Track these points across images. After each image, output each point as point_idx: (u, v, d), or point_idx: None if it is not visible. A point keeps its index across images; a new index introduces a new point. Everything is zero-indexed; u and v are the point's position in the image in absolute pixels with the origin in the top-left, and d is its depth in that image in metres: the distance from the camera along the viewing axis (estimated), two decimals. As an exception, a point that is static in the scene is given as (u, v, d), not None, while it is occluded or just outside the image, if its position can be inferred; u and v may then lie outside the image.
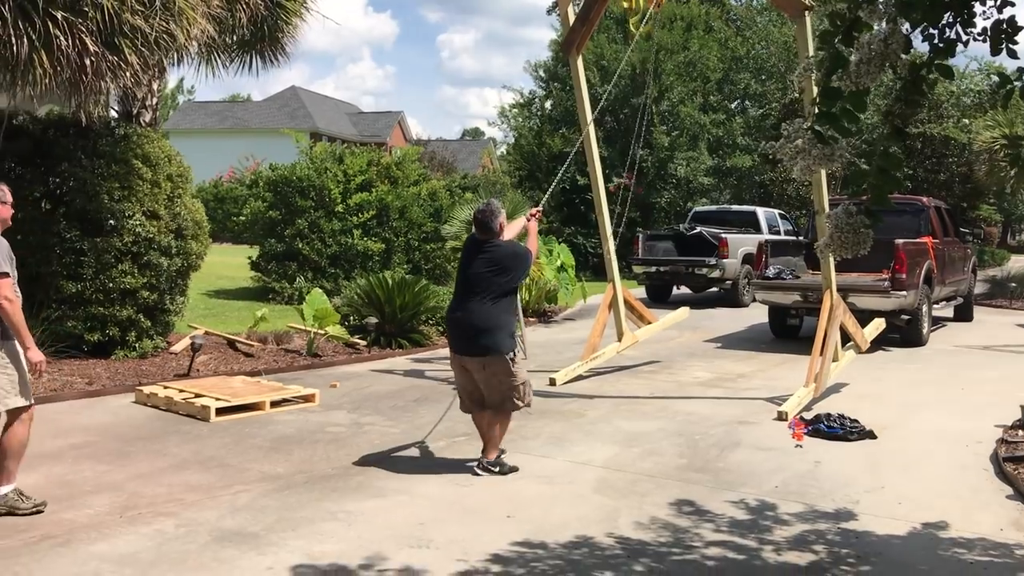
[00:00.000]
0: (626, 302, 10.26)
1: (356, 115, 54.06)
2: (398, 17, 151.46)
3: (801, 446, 6.93)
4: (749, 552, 4.74)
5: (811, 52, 7.70)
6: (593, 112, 9.22)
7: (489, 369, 5.97)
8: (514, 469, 6.07)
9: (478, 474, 5.98)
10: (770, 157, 25.05)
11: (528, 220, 7.17)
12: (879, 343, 12.35)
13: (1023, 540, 4.93)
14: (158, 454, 6.42)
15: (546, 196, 12.34)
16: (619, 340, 10.24)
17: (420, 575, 4.34)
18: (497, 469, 6.02)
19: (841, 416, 7.45)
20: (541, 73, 28.52)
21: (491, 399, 6.07)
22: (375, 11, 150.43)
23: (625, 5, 9.03)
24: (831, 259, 8.55)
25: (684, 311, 11.61)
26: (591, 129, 9.39)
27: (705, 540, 4.89)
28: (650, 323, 10.72)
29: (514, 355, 6.00)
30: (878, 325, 10.70)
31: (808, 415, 7.65)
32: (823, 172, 7.48)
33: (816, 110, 2.92)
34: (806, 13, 7.72)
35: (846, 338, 9.59)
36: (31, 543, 4.65)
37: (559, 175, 11.09)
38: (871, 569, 4.53)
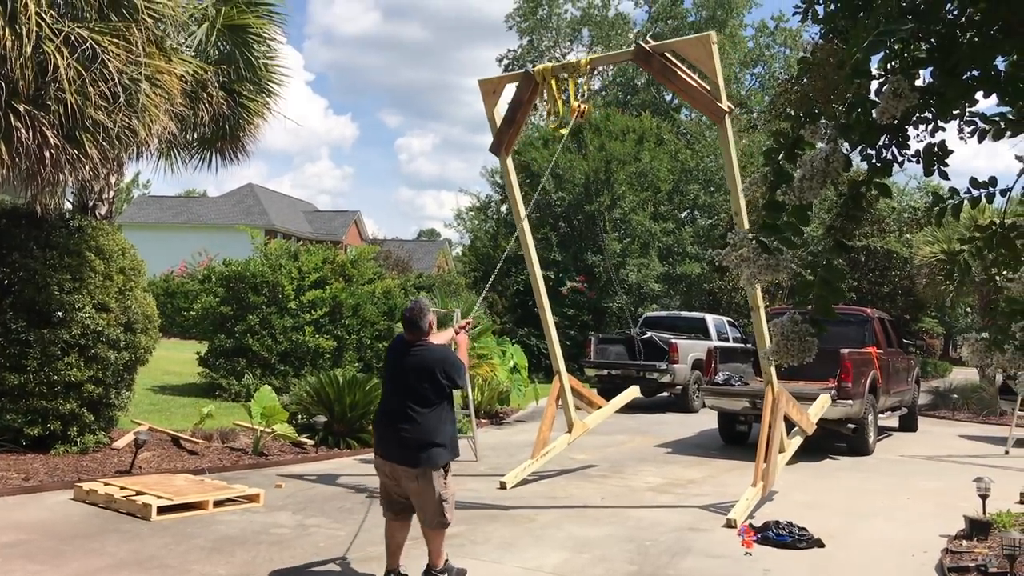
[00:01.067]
0: (574, 391, 10.37)
1: (312, 213, 54.33)
2: (358, 120, 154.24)
3: (750, 554, 6.92)
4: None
5: (732, 151, 8.16)
6: (527, 208, 9.64)
7: (422, 482, 5.58)
8: (462, 572, 5.90)
9: None
10: (717, 265, 25.67)
11: (457, 332, 6.89)
12: (826, 451, 12.49)
13: (969, 651, 4.94)
14: (95, 553, 6.21)
15: (484, 291, 12.48)
16: (569, 431, 10.27)
17: None
18: None
19: (790, 524, 7.48)
20: (497, 178, 29.10)
21: (423, 514, 5.68)
22: (335, 113, 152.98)
23: (546, 110, 9.18)
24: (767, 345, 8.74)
25: (633, 390, 11.78)
26: (525, 224, 9.67)
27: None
28: (600, 407, 10.79)
29: (447, 469, 5.69)
30: (823, 403, 10.86)
31: (757, 523, 7.66)
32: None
33: (761, 222, 3.06)
34: (726, 116, 8.07)
35: (791, 425, 9.80)
36: (-45, 647, 4.45)
37: (491, 278, 11.27)
38: None
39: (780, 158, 3.08)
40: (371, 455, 8.14)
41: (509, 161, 9.54)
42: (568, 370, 22.53)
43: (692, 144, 30.04)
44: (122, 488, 7.74)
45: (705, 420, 15.37)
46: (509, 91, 9.33)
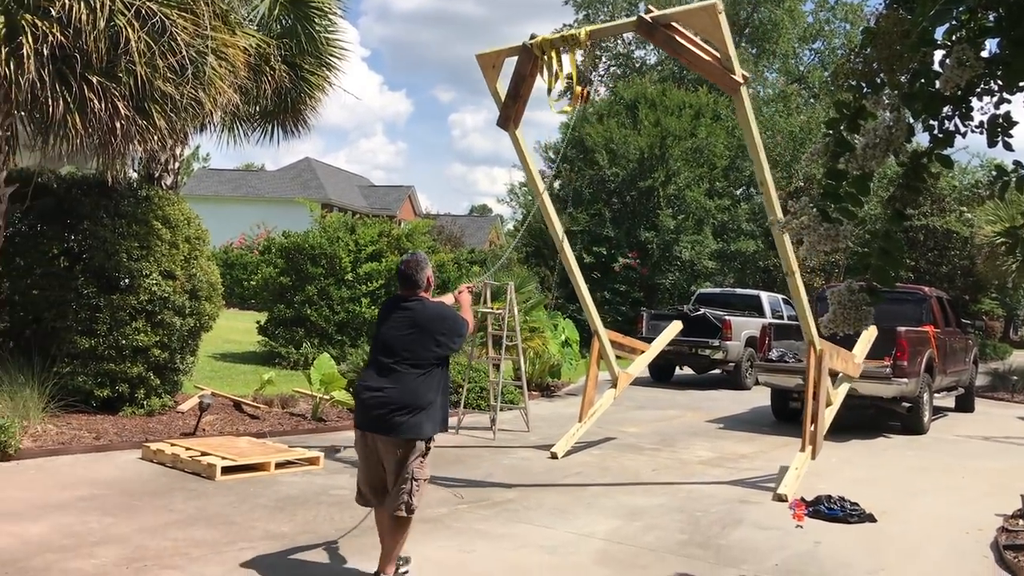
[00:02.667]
0: (614, 343, 10.39)
1: (367, 188, 54.80)
2: (412, 96, 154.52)
3: (802, 526, 6.96)
4: (749, 626, 4.76)
5: (752, 123, 7.81)
6: (544, 182, 9.56)
7: (402, 453, 4.96)
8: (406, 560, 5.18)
9: None
10: (773, 241, 25.39)
11: (458, 294, 6.26)
12: (880, 429, 12.40)
13: (1022, 625, 4.95)
14: (164, 509, 6.48)
15: (502, 259, 12.48)
16: (614, 387, 10.34)
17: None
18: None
19: (842, 499, 7.49)
20: (550, 154, 29.07)
21: (391, 492, 5.01)
22: (390, 89, 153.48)
23: (547, 84, 8.47)
24: (805, 308, 8.62)
25: (676, 325, 11.84)
26: (546, 196, 9.64)
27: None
28: (642, 352, 10.88)
29: (428, 447, 5.05)
30: (870, 336, 10.77)
31: (809, 497, 7.68)
32: (787, 236, 7.61)
33: (822, 190, 3.10)
34: (741, 87, 7.66)
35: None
36: (39, 589, 4.71)
37: (512, 244, 11.39)
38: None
39: (842, 128, 3.12)
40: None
41: (519, 134, 9.23)
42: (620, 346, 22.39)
43: (749, 120, 29.67)
44: (187, 449, 8.02)
45: (757, 397, 15.32)
46: (510, 64, 8.87)
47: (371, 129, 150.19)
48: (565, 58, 8.11)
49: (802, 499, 7.61)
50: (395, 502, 4.93)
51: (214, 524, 6.15)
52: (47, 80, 7.39)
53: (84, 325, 9.20)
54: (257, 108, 11.44)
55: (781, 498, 7.75)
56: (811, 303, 8.93)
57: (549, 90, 8.31)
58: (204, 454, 7.82)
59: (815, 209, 3.16)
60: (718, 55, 7.52)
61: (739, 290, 21.43)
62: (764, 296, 19.53)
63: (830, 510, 7.28)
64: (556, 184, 28.51)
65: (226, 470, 7.53)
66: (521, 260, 26.63)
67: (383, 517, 5.07)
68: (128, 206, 9.61)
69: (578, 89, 7.95)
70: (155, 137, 8.28)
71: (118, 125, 7.86)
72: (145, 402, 9.62)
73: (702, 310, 18.27)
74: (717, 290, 21.70)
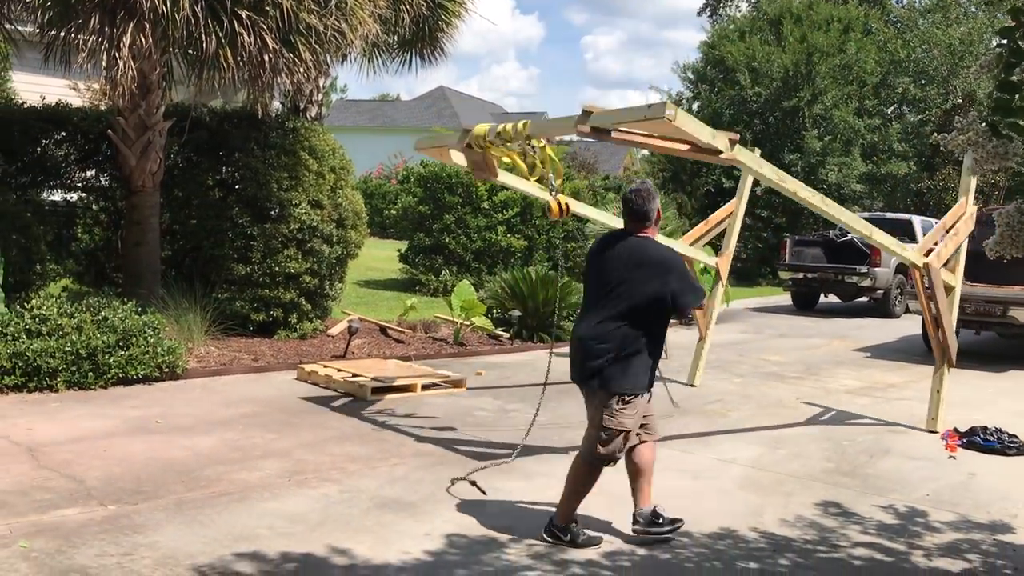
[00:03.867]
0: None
1: (501, 115, 54.70)
2: (544, 19, 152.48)
3: (954, 458, 6.74)
4: (898, 555, 4.68)
5: (766, 175, 6.39)
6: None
7: (591, 405, 4.65)
8: (589, 543, 4.59)
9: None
10: (927, 163, 24.07)
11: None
12: (1043, 360, 11.76)
13: None
14: (320, 426, 6.84)
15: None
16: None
17: (567, 551, 4.49)
18: (567, 537, 4.57)
19: (999, 430, 7.19)
20: (689, 75, 28.21)
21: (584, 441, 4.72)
22: (522, 13, 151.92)
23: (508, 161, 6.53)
24: (884, 239, 7.59)
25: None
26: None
27: (852, 541, 4.86)
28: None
29: (627, 401, 4.50)
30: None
31: (963, 428, 7.40)
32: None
33: (992, 103, 2.92)
34: (734, 148, 5.86)
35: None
36: (212, 497, 5.08)
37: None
38: (1029, 582, 4.41)
39: (1018, 36, 2.91)
40: (563, 349, 7.65)
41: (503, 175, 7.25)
42: (761, 273, 21.97)
43: (903, 33, 27.94)
44: (339, 370, 8.39)
45: (907, 326, 14.77)
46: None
47: (503, 55, 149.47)
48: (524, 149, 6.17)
49: (955, 429, 7.34)
50: (587, 452, 4.64)
51: (367, 441, 6.46)
52: (200, 17, 7.68)
53: (239, 253, 9.68)
54: (395, 37, 11.58)
55: (932, 429, 7.49)
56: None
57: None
58: (355, 375, 8.18)
59: (984, 124, 2.98)
60: (694, 135, 5.67)
61: (889, 214, 20.48)
62: (917, 220, 18.59)
63: (986, 441, 7.01)
64: (695, 106, 27.76)
65: (376, 391, 7.86)
66: (659, 185, 26.24)
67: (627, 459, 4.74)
68: (276, 138, 9.97)
69: (553, 204, 5.77)
70: (301, 69, 8.51)
71: (266, 58, 8.11)
72: (298, 326, 10.08)
73: (849, 236, 17.58)
74: (865, 214, 20.80)
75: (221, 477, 5.46)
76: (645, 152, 41.22)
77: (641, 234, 4.62)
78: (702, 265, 15.19)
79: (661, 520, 4.69)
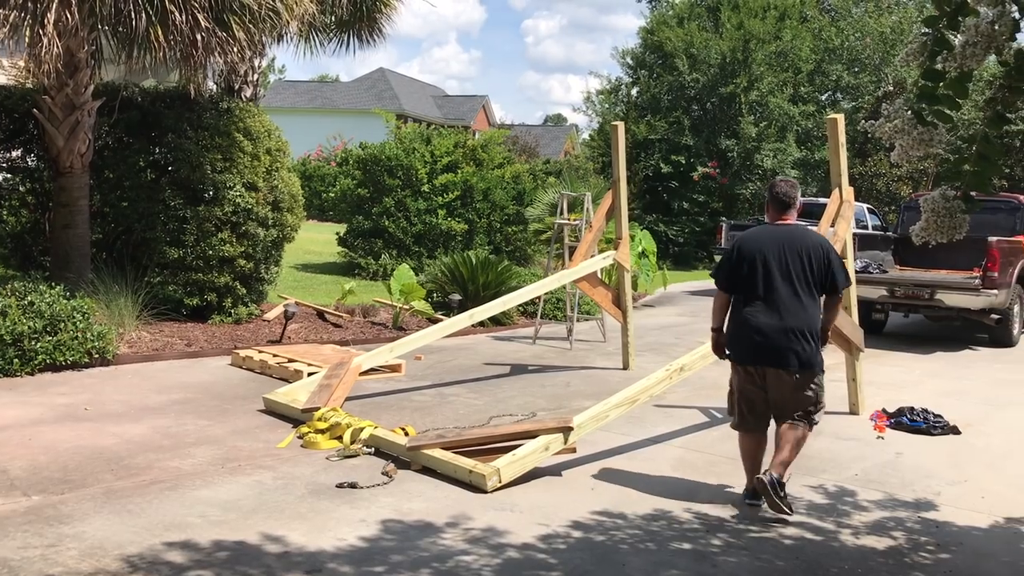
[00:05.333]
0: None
1: (442, 98, 54.52)
2: (485, 3, 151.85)
3: (883, 438, 6.91)
4: (827, 534, 4.79)
5: None
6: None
7: (781, 384, 5.08)
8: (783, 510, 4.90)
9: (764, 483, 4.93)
10: (858, 150, 24.54)
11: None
12: (966, 342, 12.12)
13: (1110, 539, 4.87)
14: (255, 412, 6.75)
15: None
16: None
17: (503, 535, 4.51)
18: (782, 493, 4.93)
19: (925, 410, 7.38)
20: (628, 60, 28.34)
21: (792, 409, 5.13)
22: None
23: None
24: None
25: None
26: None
27: (783, 520, 4.96)
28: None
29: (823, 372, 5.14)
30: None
31: (891, 408, 7.59)
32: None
33: (918, 90, 2.98)
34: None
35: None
36: (142, 486, 4.98)
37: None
38: (950, 557, 4.54)
39: (941, 25, 2.97)
40: (503, 332, 7.69)
41: None
42: (698, 257, 22.21)
43: (837, 21, 28.42)
44: (275, 356, 8.29)
45: (839, 308, 15.05)
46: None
47: (444, 38, 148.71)
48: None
49: (883, 411, 7.53)
50: (797, 425, 5.10)
51: (302, 427, 6.39)
52: (129, -7, 7.48)
53: (172, 236, 9.49)
54: (333, 17, 11.42)
55: (855, 412, 7.67)
56: (899, 212, 8.57)
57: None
58: (291, 360, 8.08)
59: (909, 112, 3.04)
60: None
61: (822, 199, 20.87)
62: (848, 205, 19.00)
63: (912, 422, 7.20)
64: (634, 91, 27.91)
65: (312, 376, 7.76)
66: (597, 170, 26.38)
67: (758, 442, 5.27)
68: (210, 118, 9.77)
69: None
70: (235, 48, 8.36)
71: (199, 37, 7.94)
72: (233, 311, 9.93)
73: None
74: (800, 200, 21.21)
75: (152, 465, 5.36)
76: (586, 136, 41.31)
77: (790, 223, 5.18)
78: (640, 249, 15.36)
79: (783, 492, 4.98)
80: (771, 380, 5.09)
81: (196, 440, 5.93)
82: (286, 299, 10.93)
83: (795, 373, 5.01)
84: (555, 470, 5.65)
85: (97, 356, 7.83)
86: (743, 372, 5.22)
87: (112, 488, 4.91)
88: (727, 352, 5.33)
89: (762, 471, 5.08)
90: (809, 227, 5.22)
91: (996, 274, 11.25)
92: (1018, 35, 3.12)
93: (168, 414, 6.55)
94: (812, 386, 5.10)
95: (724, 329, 5.36)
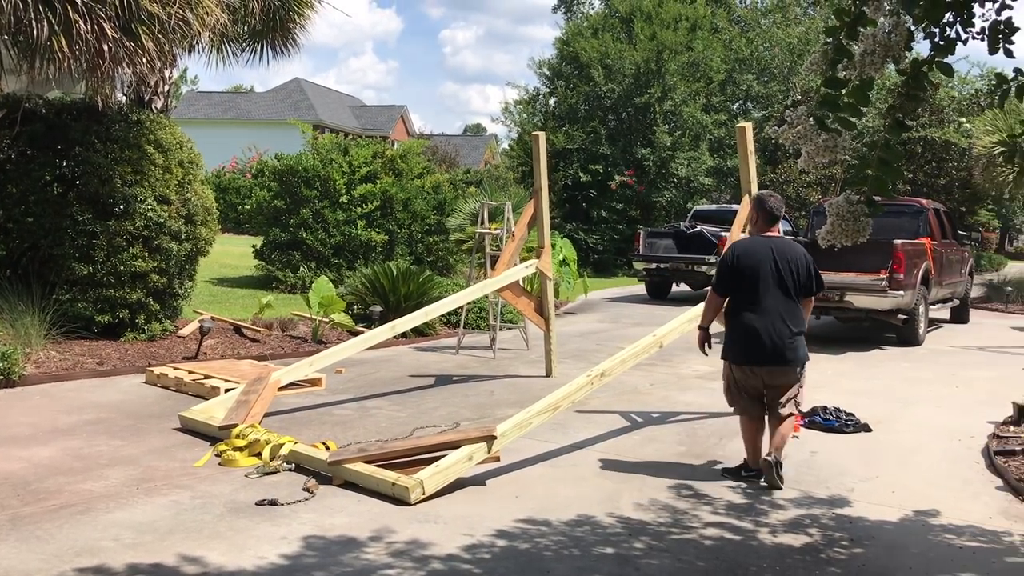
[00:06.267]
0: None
1: (359, 108, 54.15)
2: (402, 13, 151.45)
3: (797, 437, 7.07)
4: (746, 533, 4.89)
5: None
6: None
7: (780, 377, 5.80)
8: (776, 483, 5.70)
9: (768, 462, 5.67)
10: (769, 157, 25.20)
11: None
12: (875, 342, 12.52)
13: (1011, 528, 5.08)
14: (170, 431, 6.57)
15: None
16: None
17: (427, 547, 4.49)
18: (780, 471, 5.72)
19: (837, 409, 7.60)
20: (545, 71, 28.60)
21: (780, 401, 5.84)
22: (379, 6, 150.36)
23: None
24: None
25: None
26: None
27: (703, 521, 5.05)
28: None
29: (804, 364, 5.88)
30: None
31: (804, 408, 7.79)
32: None
33: (820, 98, 3.08)
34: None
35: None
36: (52, 510, 4.80)
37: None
38: (864, 551, 4.68)
39: (841, 36, 3.07)
40: (425, 343, 7.69)
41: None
42: (617, 264, 22.51)
43: (747, 32, 29.17)
44: (190, 372, 8.10)
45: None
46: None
47: (361, 48, 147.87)
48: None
49: (798, 410, 7.71)
50: (788, 407, 5.85)
51: (220, 445, 6.24)
52: (29, 1, 7.24)
53: (81, 252, 9.20)
54: (246, 28, 11.25)
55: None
56: (809, 217, 8.85)
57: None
58: (207, 377, 7.91)
59: (812, 119, 3.14)
60: None
61: (735, 206, 21.36)
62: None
63: (826, 420, 7.40)
64: (551, 101, 28.15)
65: (229, 392, 7.60)
66: (517, 180, 26.51)
67: (759, 430, 5.96)
68: (119, 131, 9.52)
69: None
70: (143, 59, 8.16)
71: (105, 47, 7.73)
72: (146, 327, 9.68)
73: (698, 227, 18.27)
74: (713, 207, 21.65)
75: (62, 489, 5.18)
76: (505, 146, 41.47)
77: (774, 236, 5.88)
78: (560, 257, 15.48)
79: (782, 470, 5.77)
80: (767, 374, 5.79)
81: (109, 461, 5.75)
82: (201, 314, 10.69)
83: (791, 366, 5.77)
84: (479, 479, 5.64)
85: (1, 377, 7.54)
86: (743, 370, 5.87)
87: (19, 514, 4.73)
88: (727, 354, 5.97)
89: (764, 453, 5.79)
90: (791, 239, 5.95)
91: (902, 276, 11.66)
92: (913, 45, 3.25)
93: (79, 435, 6.34)
94: (798, 371, 5.86)
95: (710, 329, 6.20)
